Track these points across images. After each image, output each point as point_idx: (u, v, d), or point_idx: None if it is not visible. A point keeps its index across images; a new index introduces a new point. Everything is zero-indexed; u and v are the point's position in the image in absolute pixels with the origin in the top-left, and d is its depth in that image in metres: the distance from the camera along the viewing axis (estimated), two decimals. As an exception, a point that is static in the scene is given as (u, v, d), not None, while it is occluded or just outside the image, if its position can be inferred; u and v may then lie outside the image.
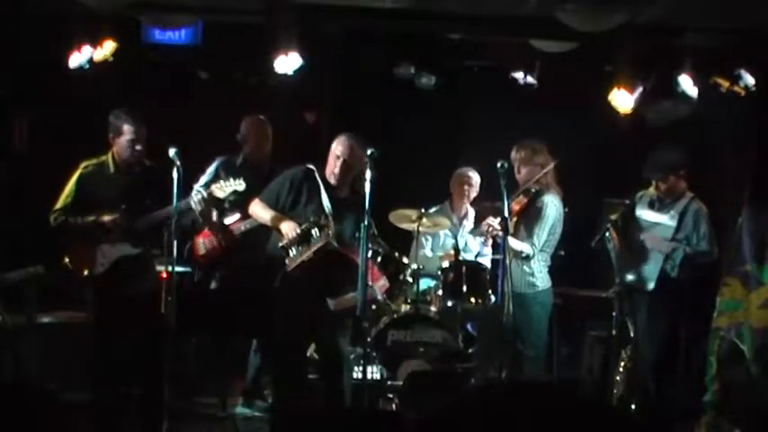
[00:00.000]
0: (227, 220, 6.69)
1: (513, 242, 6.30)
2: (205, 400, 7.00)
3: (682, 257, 6.58)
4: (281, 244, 5.87)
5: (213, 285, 6.85)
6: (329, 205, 5.91)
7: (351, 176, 6.01)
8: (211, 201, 5.92)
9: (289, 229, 5.86)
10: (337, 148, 5.99)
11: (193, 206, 5.81)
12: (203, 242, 6.75)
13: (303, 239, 5.82)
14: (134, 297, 5.83)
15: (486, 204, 6.80)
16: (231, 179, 5.96)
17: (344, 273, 5.85)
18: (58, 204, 5.96)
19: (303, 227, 5.83)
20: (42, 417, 3.94)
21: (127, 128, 5.91)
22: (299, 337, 6.05)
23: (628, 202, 6.88)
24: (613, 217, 6.62)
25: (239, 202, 6.44)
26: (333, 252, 5.80)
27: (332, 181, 5.99)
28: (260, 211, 6.05)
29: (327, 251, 5.78)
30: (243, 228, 6.65)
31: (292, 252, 5.85)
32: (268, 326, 6.56)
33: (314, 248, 5.77)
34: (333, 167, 5.98)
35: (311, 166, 6.04)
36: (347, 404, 6.02)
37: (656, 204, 6.81)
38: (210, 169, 6.81)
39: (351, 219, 5.99)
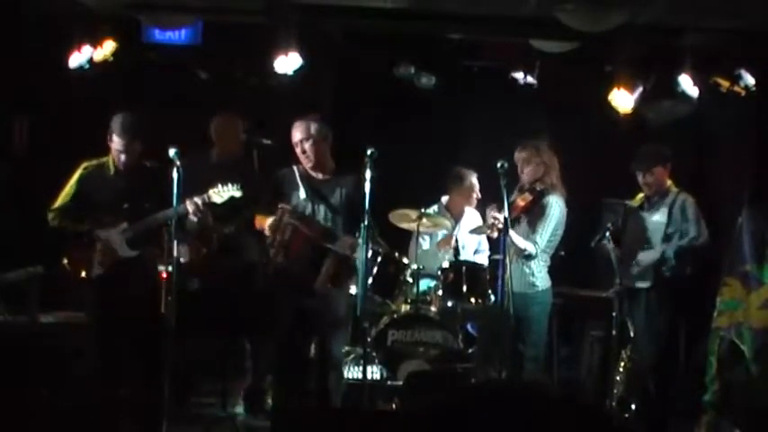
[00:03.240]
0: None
1: (518, 239, 6.30)
2: (205, 399, 6.99)
3: (675, 250, 6.62)
4: (267, 240, 5.91)
5: (194, 288, 6.81)
6: (304, 195, 5.93)
7: (320, 154, 6.00)
8: (208, 207, 5.91)
9: (265, 224, 5.91)
10: (294, 135, 6.01)
11: (190, 214, 5.80)
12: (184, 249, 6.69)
13: (278, 228, 5.86)
14: (132, 299, 5.82)
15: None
16: (229, 184, 5.95)
17: (314, 248, 5.88)
18: (57, 203, 5.97)
19: (277, 216, 5.87)
20: (43, 416, 3.94)
21: (115, 138, 5.94)
22: (296, 333, 6.05)
23: (627, 202, 6.92)
24: (610, 225, 6.64)
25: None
26: (304, 235, 5.82)
27: (307, 166, 6.01)
28: (261, 221, 6.05)
29: (298, 232, 5.80)
30: (226, 231, 6.59)
31: (275, 245, 5.89)
32: (256, 329, 6.59)
33: (288, 232, 5.80)
34: (299, 155, 6.00)
35: (293, 166, 6.07)
36: (335, 404, 6.01)
37: (646, 206, 6.86)
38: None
39: (334, 199, 5.99)
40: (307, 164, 6.01)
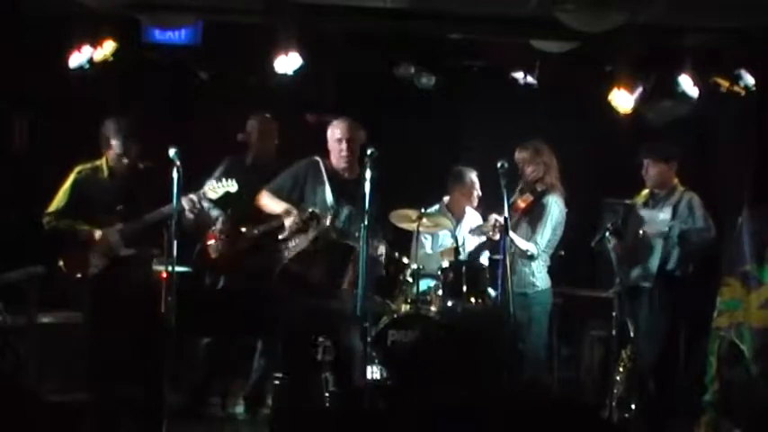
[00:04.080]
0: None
1: (519, 241, 6.30)
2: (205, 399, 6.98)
3: (678, 235, 6.61)
4: (281, 236, 5.89)
5: (220, 287, 6.84)
6: (332, 197, 5.95)
7: (355, 156, 6.05)
8: (201, 203, 5.93)
9: (289, 219, 5.93)
10: (336, 131, 6.05)
11: (186, 211, 5.81)
12: (214, 245, 6.72)
13: (302, 230, 5.89)
14: (130, 297, 5.82)
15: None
16: (224, 180, 5.98)
17: (345, 263, 5.89)
18: (51, 207, 5.97)
19: (303, 216, 5.90)
20: (42, 418, 3.94)
21: (114, 142, 5.95)
22: (304, 333, 6.01)
23: (628, 202, 6.91)
24: (610, 225, 6.63)
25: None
26: (332, 243, 5.81)
27: (341, 166, 6.03)
28: (268, 201, 6.12)
29: (326, 242, 5.79)
30: (256, 232, 6.62)
31: (291, 243, 5.89)
32: (274, 329, 6.60)
33: (311, 238, 5.79)
34: (338, 152, 6.02)
35: (316, 158, 6.08)
36: (357, 402, 6.00)
37: (651, 203, 6.84)
38: (219, 169, 6.77)
39: (360, 202, 5.97)
40: (340, 163, 6.03)
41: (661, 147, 6.86)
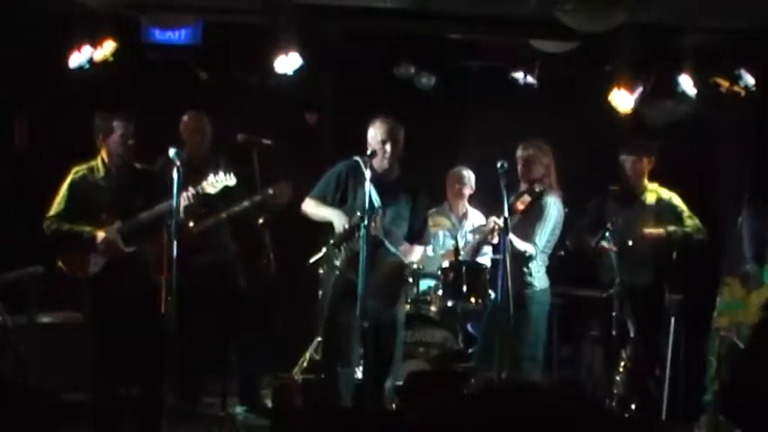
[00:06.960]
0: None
1: (517, 242, 6.29)
2: (205, 399, 6.99)
3: (679, 238, 6.62)
4: (332, 240, 5.89)
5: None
6: (378, 198, 5.85)
7: (397, 157, 6.04)
8: (199, 197, 5.92)
9: (339, 222, 5.91)
10: (378, 133, 6.00)
11: (182, 203, 5.79)
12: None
13: (352, 234, 5.84)
14: (129, 296, 5.81)
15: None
16: (222, 174, 5.96)
17: (395, 276, 5.94)
18: (51, 211, 5.95)
19: (352, 221, 5.84)
20: (42, 417, 3.94)
21: (117, 124, 5.92)
22: (347, 343, 5.98)
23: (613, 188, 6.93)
24: (610, 225, 6.61)
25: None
26: (382, 252, 5.78)
27: (385, 166, 5.99)
28: (312, 208, 6.10)
29: (375, 246, 5.76)
30: (197, 230, 6.46)
31: (342, 252, 5.85)
32: (238, 328, 6.53)
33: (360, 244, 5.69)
34: (382, 153, 5.97)
35: (357, 158, 6.02)
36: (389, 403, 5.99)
37: (624, 199, 6.83)
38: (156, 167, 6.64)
39: (403, 199, 6.04)
40: (383, 164, 5.98)
41: (640, 145, 6.85)
